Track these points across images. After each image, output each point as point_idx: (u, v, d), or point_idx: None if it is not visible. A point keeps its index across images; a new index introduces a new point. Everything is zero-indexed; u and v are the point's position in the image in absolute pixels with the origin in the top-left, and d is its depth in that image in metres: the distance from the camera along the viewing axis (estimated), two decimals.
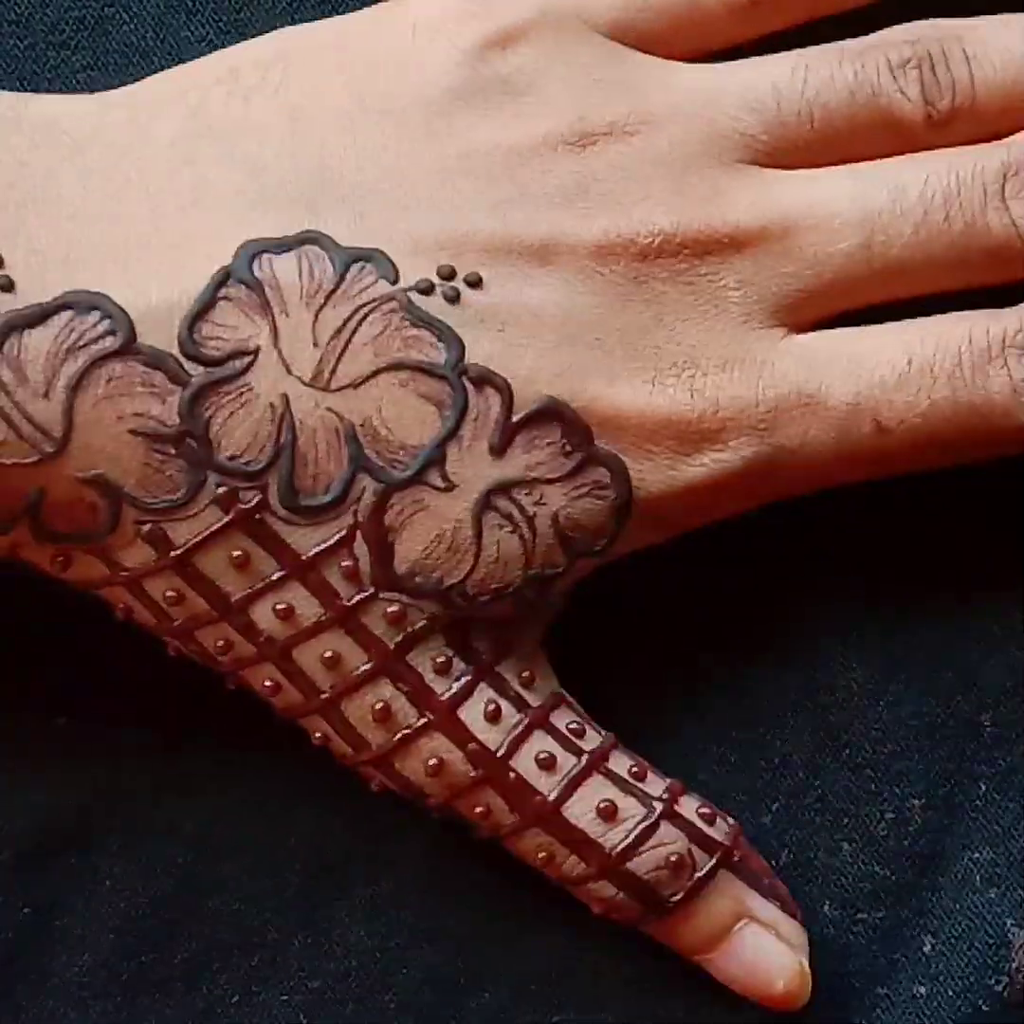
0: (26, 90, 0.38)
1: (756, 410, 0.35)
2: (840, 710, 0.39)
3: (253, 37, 0.36)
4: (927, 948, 0.39)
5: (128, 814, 0.39)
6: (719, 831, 0.37)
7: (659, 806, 0.36)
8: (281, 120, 0.35)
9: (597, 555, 0.36)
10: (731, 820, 0.37)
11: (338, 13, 0.37)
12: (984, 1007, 0.39)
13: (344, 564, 0.34)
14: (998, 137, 0.36)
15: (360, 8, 0.37)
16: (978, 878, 0.39)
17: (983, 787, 0.39)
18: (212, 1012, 0.39)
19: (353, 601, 0.35)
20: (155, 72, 0.36)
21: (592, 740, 0.36)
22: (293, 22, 0.37)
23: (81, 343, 0.33)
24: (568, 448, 0.35)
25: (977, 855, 0.39)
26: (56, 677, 0.39)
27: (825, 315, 0.36)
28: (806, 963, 0.37)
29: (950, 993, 0.39)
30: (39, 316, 0.33)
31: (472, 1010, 0.39)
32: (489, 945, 0.39)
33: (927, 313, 0.36)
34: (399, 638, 0.35)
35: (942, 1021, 0.39)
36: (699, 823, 0.37)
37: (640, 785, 0.36)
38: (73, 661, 0.39)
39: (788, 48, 0.37)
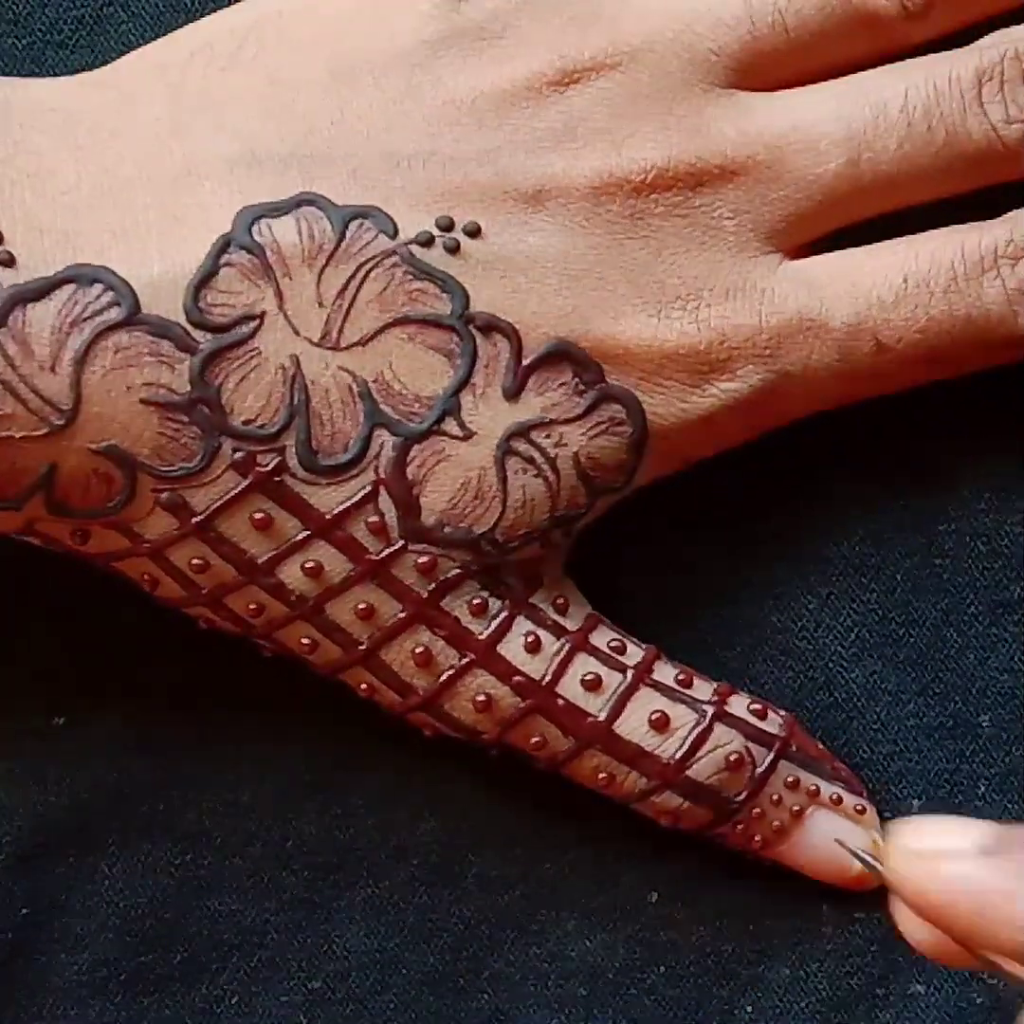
0: None
1: (761, 337, 0.35)
2: (840, 710, 0.39)
3: None
4: None
5: (128, 814, 0.39)
6: (773, 724, 0.37)
7: (710, 709, 0.36)
8: (262, 89, 0.35)
9: (617, 492, 0.36)
10: (783, 712, 0.38)
11: None
12: (979, 1001, 0.39)
13: (370, 520, 0.34)
14: (974, 25, 0.36)
15: None
16: None
17: (983, 787, 0.39)
18: (211, 1012, 0.39)
19: (382, 554, 0.35)
20: None
21: (634, 655, 0.37)
22: None
23: (85, 315, 0.33)
24: (581, 387, 0.35)
25: None
26: (56, 677, 0.39)
27: (819, 235, 0.36)
28: (879, 838, 0.37)
29: (946, 990, 0.39)
30: (42, 290, 0.33)
31: (472, 1010, 0.39)
32: (489, 945, 0.39)
33: (917, 228, 0.36)
34: (432, 586, 0.35)
35: (939, 1018, 0.39)
36: (752, 720, 0.37)
37: (688, 692, 0.37)
38: (73, 661, 0.39)
39: None
